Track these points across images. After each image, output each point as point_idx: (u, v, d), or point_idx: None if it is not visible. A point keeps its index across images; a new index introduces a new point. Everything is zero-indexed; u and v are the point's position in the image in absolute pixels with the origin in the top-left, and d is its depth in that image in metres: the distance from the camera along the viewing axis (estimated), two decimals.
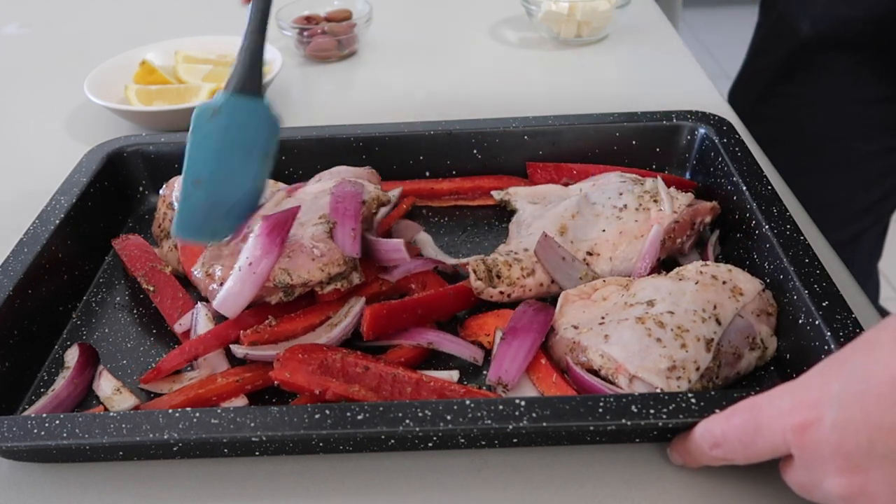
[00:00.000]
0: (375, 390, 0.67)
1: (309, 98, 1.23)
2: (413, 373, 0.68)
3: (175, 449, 0.62)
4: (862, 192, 1.22)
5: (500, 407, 0.58)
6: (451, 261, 0.81)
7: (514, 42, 1.34)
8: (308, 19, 1.32)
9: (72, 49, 1.43)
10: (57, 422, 0.59)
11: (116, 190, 0.91)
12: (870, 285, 1.36)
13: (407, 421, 0.57)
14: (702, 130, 0.88)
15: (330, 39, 1.29)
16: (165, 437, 0.58)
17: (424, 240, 0.84)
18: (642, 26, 1.35)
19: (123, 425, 0.58)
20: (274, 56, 1.18)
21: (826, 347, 0.61)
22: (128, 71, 1.18)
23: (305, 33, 1.29)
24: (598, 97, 1.15)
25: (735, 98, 1.28)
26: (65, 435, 0.58)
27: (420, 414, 0.58)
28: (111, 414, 0.59)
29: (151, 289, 0.81)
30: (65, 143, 1.12)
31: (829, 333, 0.61)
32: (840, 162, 1.19)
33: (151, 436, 0.58)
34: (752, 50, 1.30)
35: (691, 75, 1.19)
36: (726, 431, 0.53)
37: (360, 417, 0.58)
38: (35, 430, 0.59)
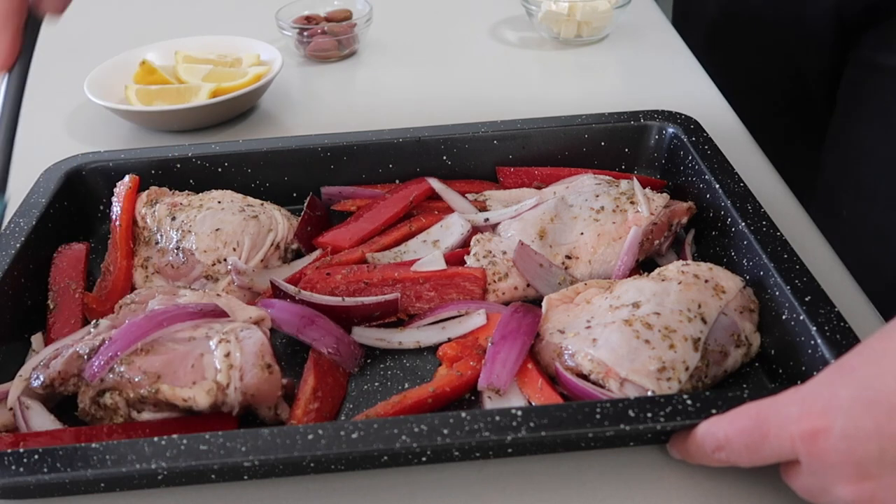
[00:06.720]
0: None
1: (309, 98, 1.21)
2: (403, 269, 0.76)
3: (160, 478, 0.60)
4: None
5: (497, 418, 0.57)
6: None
7: (514, 42, 1.34)
8: (308, 19, 1.31)
9: (72, 49, 1.39)
10: (36, 456, 0.56)
11: (77, 210, 0.88)
12: None
13: (403, 437, 0.56)
14: (670, 130, 0.89)
15: (330, 39, 1.28)
16: (153, 466, 0.55)
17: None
18: (642, 26, 1.35)
19: (108, 456, 0.56)
20: (274, 56, 1.17)
21: (813, 342, 0.62)
22: (128, 71, 1.16)
23: (305, 33, 1.28)
24: (597, 97, 1.15)
25: None
26: (45, 470, 0.56)
27: (416, 429, 0.57)
28: (93, 445, 0.57)
29: (52, 306, 0.78)
30: (65, 143, 1.10)
31: (814, 328, 0.62)
32: None
33: (138, 466, 0.55)
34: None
35: (691, 75, 1.19)
36: (730, 435, 0.53)
37: (354, 436, 0.57)
38: (13, 467, 0.56)
